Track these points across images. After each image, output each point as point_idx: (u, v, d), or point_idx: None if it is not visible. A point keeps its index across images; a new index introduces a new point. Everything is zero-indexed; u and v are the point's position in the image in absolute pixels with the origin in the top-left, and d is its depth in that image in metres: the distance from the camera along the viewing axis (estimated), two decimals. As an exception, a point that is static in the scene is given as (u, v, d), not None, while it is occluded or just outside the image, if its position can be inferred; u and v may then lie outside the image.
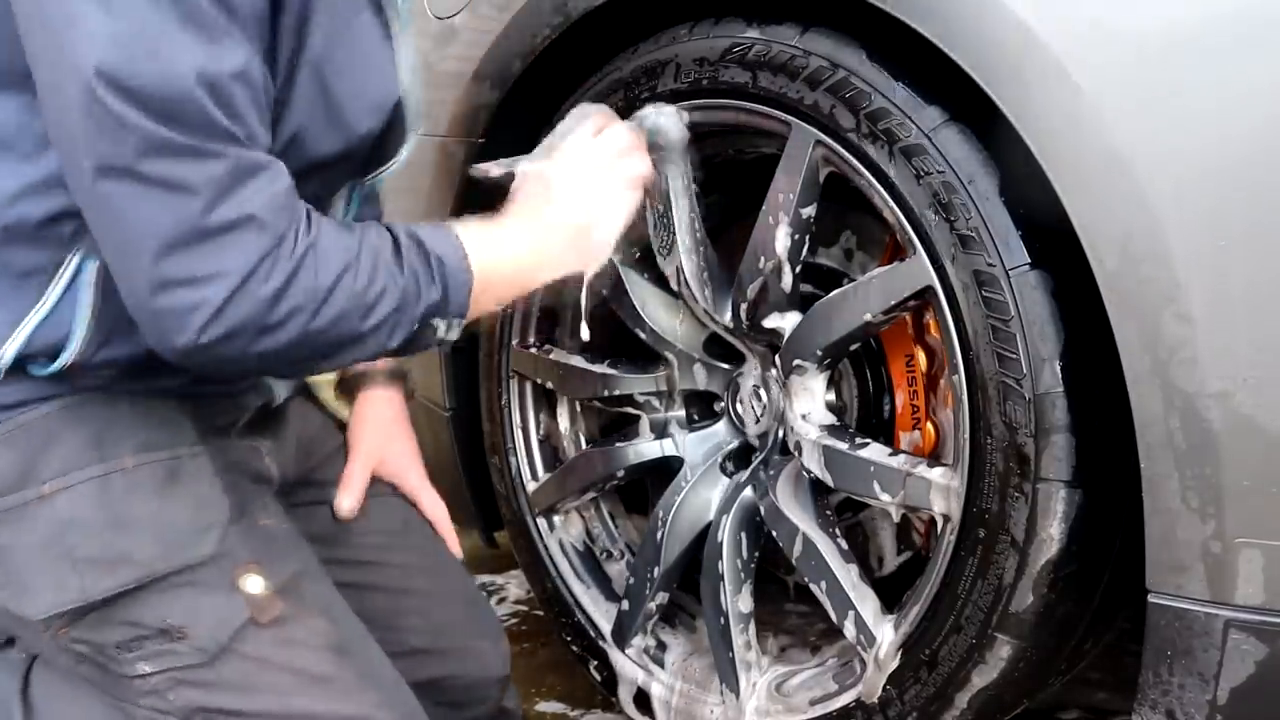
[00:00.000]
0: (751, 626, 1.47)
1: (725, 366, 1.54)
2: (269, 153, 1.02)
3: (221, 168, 0.97)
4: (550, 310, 1.68)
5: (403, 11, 1.20)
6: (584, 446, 1.72)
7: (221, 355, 1.00)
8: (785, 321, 1.37)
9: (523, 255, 1.21)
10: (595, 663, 1.64)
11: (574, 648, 1.68)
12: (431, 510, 1.47)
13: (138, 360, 1.10)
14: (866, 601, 1.33)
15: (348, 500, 1.38)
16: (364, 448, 1.43)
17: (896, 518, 1.30)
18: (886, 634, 1.29)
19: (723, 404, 1.55)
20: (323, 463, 1.41)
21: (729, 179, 1.55)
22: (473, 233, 1.15)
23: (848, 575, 1.35)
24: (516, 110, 1.57)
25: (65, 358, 1.08)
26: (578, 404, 1.72)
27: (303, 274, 1.00)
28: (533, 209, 1.24)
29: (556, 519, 1.71)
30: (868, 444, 1.32)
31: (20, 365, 1.08)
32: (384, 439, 1.45)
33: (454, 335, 1.13)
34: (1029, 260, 1.12)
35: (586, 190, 1.25)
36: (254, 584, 1.14)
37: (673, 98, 1.39)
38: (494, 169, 1.33)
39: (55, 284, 1.06)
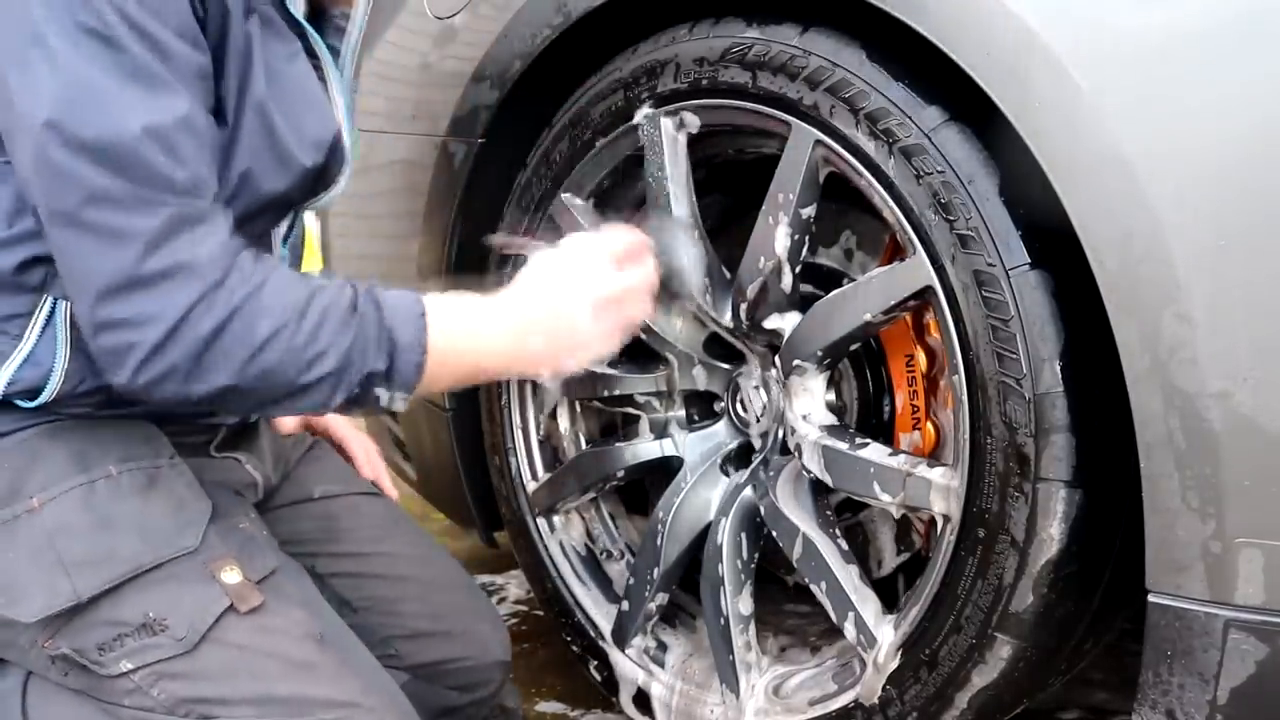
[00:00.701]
0: (751, 627, 1.47)
1: (725, 367, 1.54)
2: (218, 195, 1.07)
3: (160, 219, 1.01)
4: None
5: (344, 59, 1.26)
6: (584, 447, 1.72)
7: (162, 393, 1.05)
8: (785, 322, 1.37)
9: (493, 347, 1.19)
10: (595, 663, 1.64)
11: (574, 648, 1.68)
12: (362, 448, 1.57)
13: (116, 391, 1.13)
14: (867, 603, 1.33)
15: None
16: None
17: (897, 517, 1.30)
18: (886, 635, 1.29)
19: (723, 404, 1.55)
20: (301, 461, 1.46)
21: (729, 179, 1.55)
22: (446, 310, 1.15)
23: (849, 577, 1.35)
24: (516, 110, 1.57)
25: (46, 395, 1.13)
26: (577, 404, 1.72)
27: (236, 323, 1.04)
28: (521, 303, 1.22)
29: (556, 519, 1.71)
30: (868, 444, 1.32)
31: (4, 401, 1.13)
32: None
33: (399, 406, 1.14)
34: (1029, 260, 1.12)
35: (578, 303, 1.21)
36: (232, 575, 1.16)
37: (673, 98, 1.40)
38: (510, 245, 1.38)
39: (33, 327, 1.12)
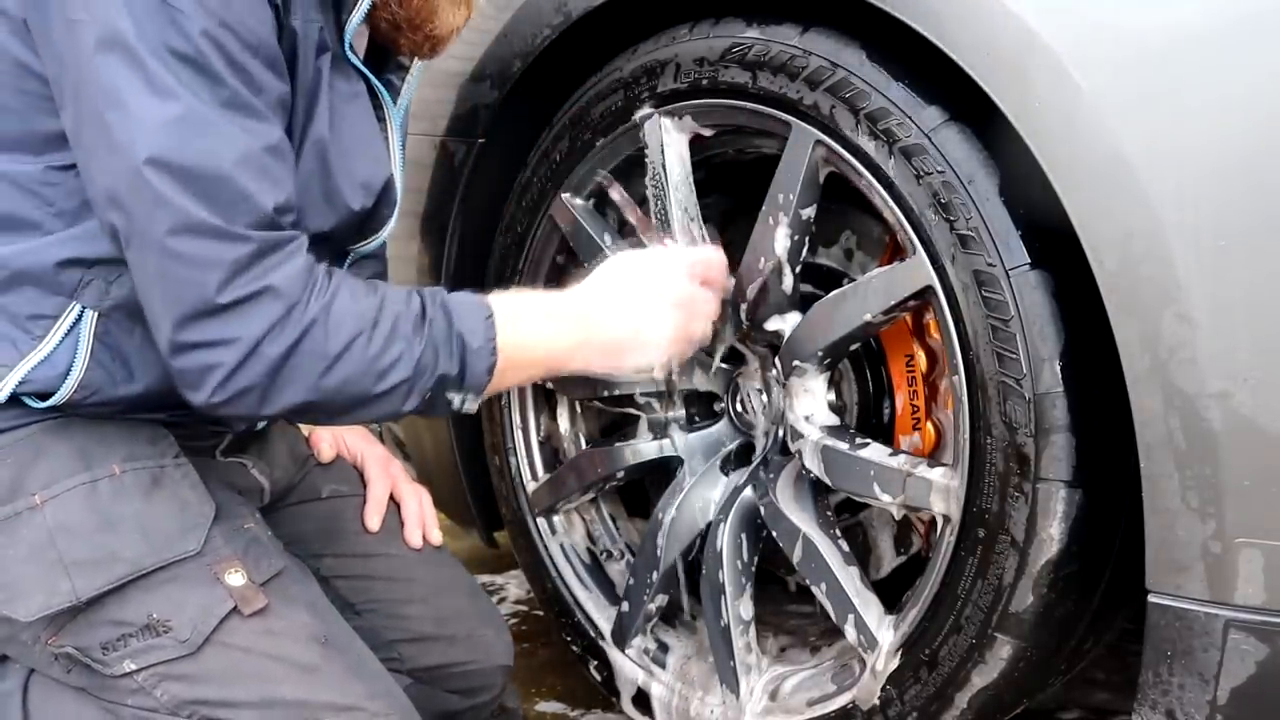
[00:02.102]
0: (752, 627, 1.47)
1: (725, 367, 1.54)
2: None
3: (247, 248, 1.03)
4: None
5: (402, 100, 1.27)
6: (584, 447, 1.72)
7: (236, 412, 1.08)
8: (785, 322, 1.37)
9: (561, 343, 1.23)
10: (595, 663, 1.64)
11: (574, 648, 1.68)
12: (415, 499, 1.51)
13: (127, 401, 1.16)
14: (868, 604, 1.33)
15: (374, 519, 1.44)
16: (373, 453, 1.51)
17: (898, 518, 1.30)
18: (886, 637, 1.29)
19: (723, 404, 1.55)
20: (311, 470, 1.45)
21: (729, 179, 1.55)
22: (512, 311, 1.18)
23: (849, 578, 1.35)
24: (516, 110, 1.57)
25: (56, 399, 1.13)
26: (578, 404, 1.72)
27: (312, 338, 1.06)
28: (590, 298, 1.25)
29: (556, 519, 1.71)
30: (868, 444, 1.32)
31: (13, 398, 1.13)
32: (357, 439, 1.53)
33: (470, 408, 1.17)
34: (1029, 260, 1.12)
35: (650, 302, 1.26)
36: (237, 578, 1.16)
37: (673, 98, 1.40)
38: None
39: (56, 330, 1.11)
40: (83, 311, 1.11)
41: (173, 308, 1.03)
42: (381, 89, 1.23)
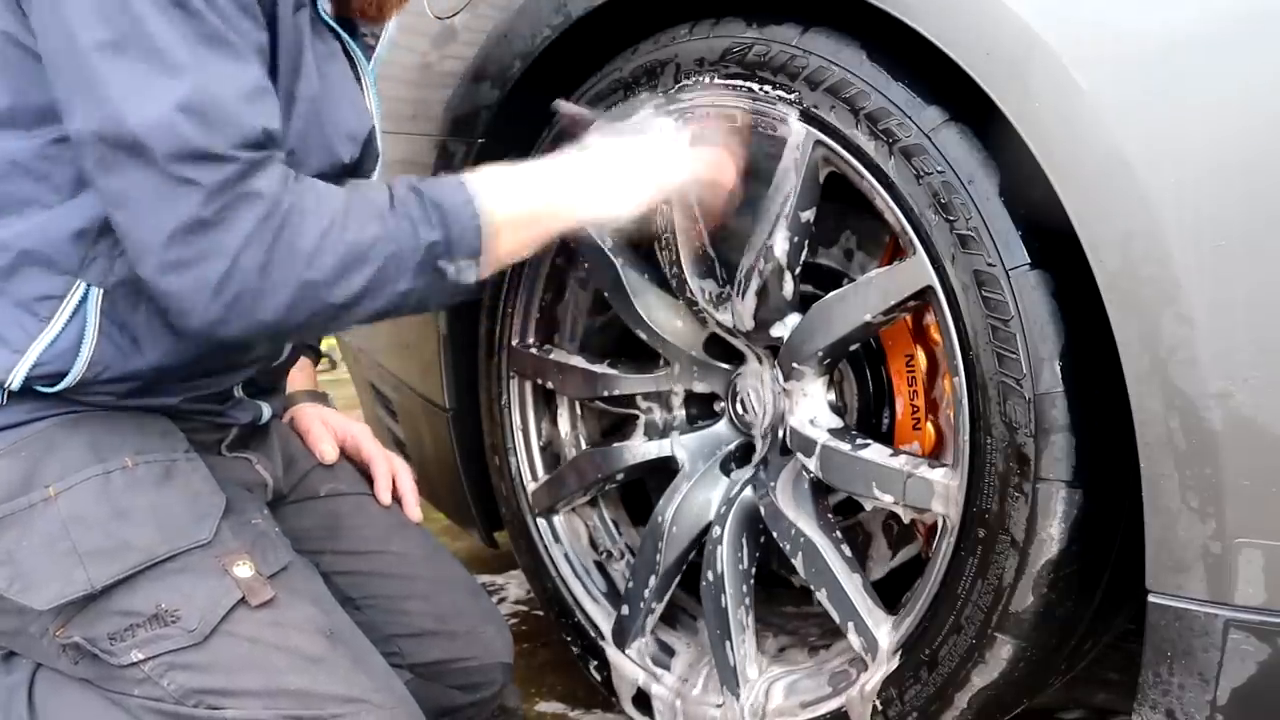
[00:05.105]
0: (752, 628, 1.47)
1: (725, 367, 1.54)
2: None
3: (232, 168, 1.03)
4: (550, 311, 1.68)
5: (377, 57, 1.32)
6: (584, 447, 1.72)
7: (237, 325, 1.07)
8: (785, 323, 1.36)
9: (549, 191, 1.24)
10: (595, 663, 1.64)
11: (574, 648, 1.68)
12: (395, 466, 1.55)
13: (139, 379, 1.17)
14: (867, 604, 1.33)
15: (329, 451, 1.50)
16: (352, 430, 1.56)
17: (907, 521, 1.30)
18: (885, 637, 1.30)
19: (723, 404, 1.55)
20: (312, 468, 1.47)
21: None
22: (486, 177, 1.19)
23: (848, 577, 1.35)
24: (516, 110, 1.57)
25: (69, 380, 1.14)
26: (578, 404, 1.72)
27: (284, 236, 1.06)
28: (568, 157, 1.27)
29: (557, 519, 1.71)
30: (868, 445, 1.32)
31: (25, 386, 1.14)
32: (340, 423, 1.56)
33: (470, 277, 1.17)
34: (1029, 260, 1.12)
35: (648, 143, 1.28)
36: (245, 569, 1.17)
37: (673, 98, 1.39)
38: (575, 111, 1.38)
39: (63, 309, 1.12)
40: (88, 289, 1.12)
41: (158, 230, 1.03)
42: (354, 47, 1.27)
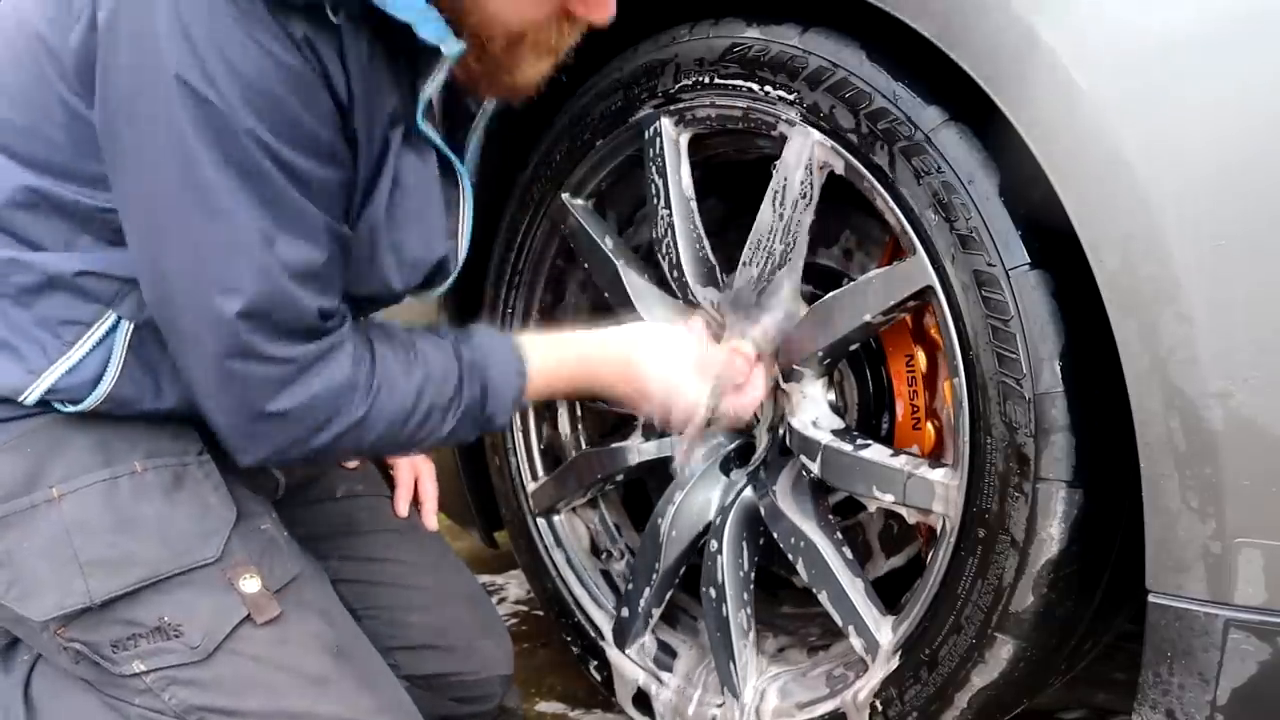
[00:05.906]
0: (752, 628, 1.47)
1: (725, 367, 1.54)
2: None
3: (290, 369, 1.06)
4: (550, 311, 1.68)
5: (470, 157, 1.27)
6: (584, 447, 1.71)
7: (272, 461, 1.13)
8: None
9: (583, 380, 1.30)
10: (595, 663, 1.64)
11: (574, 648, 1.68)
12: (419, 470, 1.56)
13: (154, 417, 1.15)
14: (867, 603, 1.33)
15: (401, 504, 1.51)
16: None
17: (912, 521, 1.30)
18: (885, 636, 1.29)
19: (723, 404, 1.55)
20: (331, 467, 1.44)
21: (729, 179, 1.55)
22: (541, 354, 1.25)
23: (848, 577, 1.35)
24: (516, 110, 1.56)
25: (86, 405, 1.11)
26: (578, 405, 1.72)
27: (353, 435, 1.12)
28: (618, 347, 1.31)
29: (557, 520, 1.71)
30: (869, 445, 1.32)
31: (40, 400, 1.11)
32: None
33: (472, 437, 1.25)
34: (1029, 260, 1.12)
35: (685, 367, 1.31)
36: (251, 584, 1.15)
37: (673, 98, 1.39)
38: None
39: (88, 337, 1.10)
40: (118, 321, 1.10)
41: (223, 413, 1.08)
42: (452, 155, 1.21)
